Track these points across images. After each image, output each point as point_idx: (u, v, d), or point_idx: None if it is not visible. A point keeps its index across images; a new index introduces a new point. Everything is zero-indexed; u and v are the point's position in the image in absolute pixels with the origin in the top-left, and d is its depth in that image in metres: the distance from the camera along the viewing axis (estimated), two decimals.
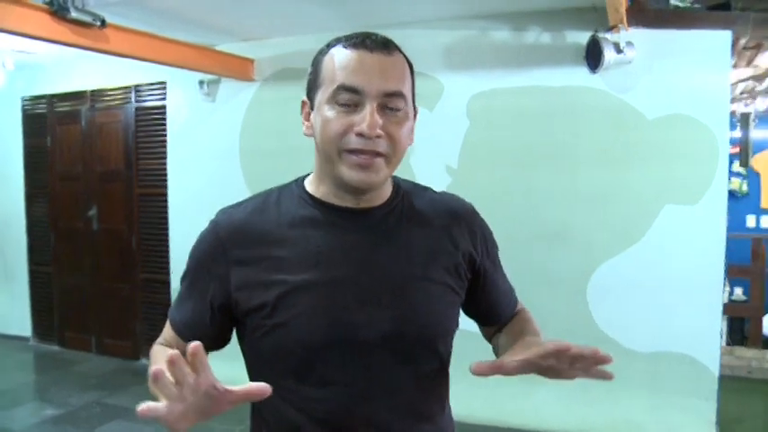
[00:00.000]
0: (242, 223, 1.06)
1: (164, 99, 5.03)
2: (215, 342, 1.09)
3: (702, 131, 3.53)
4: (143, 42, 3.76)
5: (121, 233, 5.23)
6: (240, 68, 4.59)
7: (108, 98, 5.31)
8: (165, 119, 5.03)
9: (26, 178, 5.78)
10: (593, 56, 3.53)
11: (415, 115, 1.08)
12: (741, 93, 5.81)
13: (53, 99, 5.57)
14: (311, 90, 1.06)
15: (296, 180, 1.13)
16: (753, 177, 6.67)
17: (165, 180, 5.02)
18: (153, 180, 5.11)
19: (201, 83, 4.75)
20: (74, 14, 3.06)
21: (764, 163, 6.50)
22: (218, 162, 4.80)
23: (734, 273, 4.90)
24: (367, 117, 0.96)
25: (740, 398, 4.14)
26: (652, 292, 3.65)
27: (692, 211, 3.57)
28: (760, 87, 5.75)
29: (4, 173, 5.89)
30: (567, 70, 3.76)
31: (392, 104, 1.00)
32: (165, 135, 5.03)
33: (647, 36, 3.55)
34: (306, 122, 1.08)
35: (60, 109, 5.54)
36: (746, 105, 6.25)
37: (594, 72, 3.56)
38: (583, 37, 3.63)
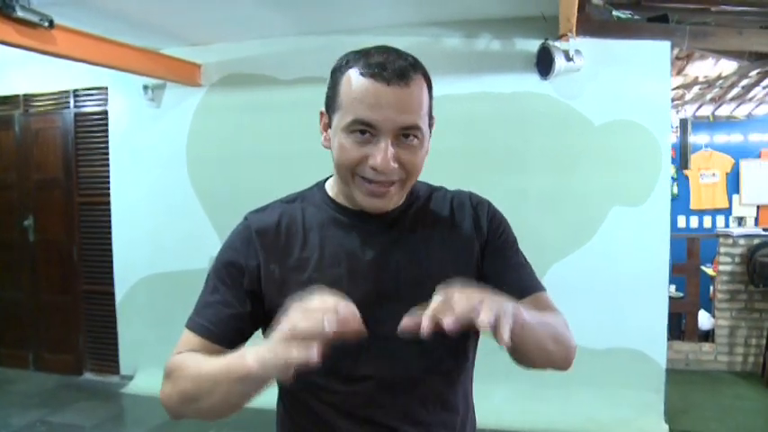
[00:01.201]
0: (270, 225, 1.11)
1: (105, 104, 4.86)
2: (250, 332, 1.09)
3: (646, 136, 3.71)
4: (89, 44, 3.62)
5: (61, 243, 5.01)
6: (187, 73, 4.49)
7: (43, 103, 5.08)
8: (106, 125, 4.85)
9: None
10: (543, 63, 3.65)
11: (431, 125, 1.09)
12: (672, 100, 6.12)
13: None
14: (329, 107, 1.06)
15: (317, 184, 1.19)
16: (682, 180, 7.02)
17: (108, 188, 4.85)
18: (95, 188, 4.92)
19: (146, 88, 4.61)
20: (20, 13, 2.92)
21: (694, 166, 6.82)
22: (163, 169, 4.68)
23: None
24: (381, 153, 0.98)
25: (681, 389, 4.34)
26: (602, 290, 3.79)
27: (638, 212, 3.74)
28: (689, 95, 6.08)
29: None
30: (517, 77, 3.87)
31: (407, 134, 1.02)
32: (107, 142, 4.85)
33: (592, 45, 3.69)
34: (324, 133, 1.10)
35: None
36: (677, 112, 6.58)
37: (545, 79, 3.68)
38: (532, 45, 3.75)
